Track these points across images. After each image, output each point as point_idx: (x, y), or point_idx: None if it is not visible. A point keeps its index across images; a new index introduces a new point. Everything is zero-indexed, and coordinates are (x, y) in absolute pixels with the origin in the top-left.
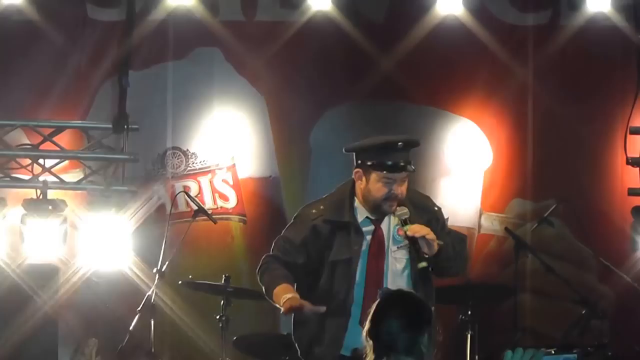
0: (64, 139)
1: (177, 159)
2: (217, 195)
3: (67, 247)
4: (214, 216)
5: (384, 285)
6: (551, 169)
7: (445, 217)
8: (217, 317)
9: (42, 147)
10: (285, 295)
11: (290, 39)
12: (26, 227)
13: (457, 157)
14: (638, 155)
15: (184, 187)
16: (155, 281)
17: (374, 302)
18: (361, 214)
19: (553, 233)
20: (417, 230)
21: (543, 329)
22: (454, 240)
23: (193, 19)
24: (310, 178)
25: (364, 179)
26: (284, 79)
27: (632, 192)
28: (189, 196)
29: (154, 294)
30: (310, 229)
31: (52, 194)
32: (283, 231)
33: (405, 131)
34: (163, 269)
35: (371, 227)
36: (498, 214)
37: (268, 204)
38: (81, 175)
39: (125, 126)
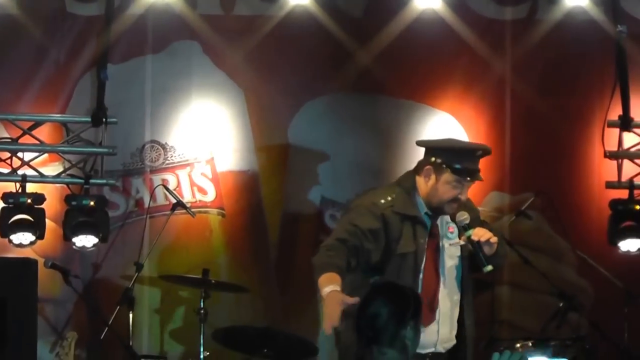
0: (43, 133)
1: (156, 152)
2: (195, 188)
3: (45, 241)
4: (192, 210)
5: (440, 280)
6: (529, 162)
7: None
8: (196, 310)
9: (21, 140)
10: (325, 289)
11: (269, 32)
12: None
13: None
14: (616, 149)
15: (163, 180)
16: (135, 274)
17: (429, 295)
18: (422, 209)
19: (530, 226)
20: (482, 234)
21: (520, 321)
22: (502, 237)
23: (171, 12)
24: (288, 171)
25: (433, 177)
26: (262, 72)
27: (610, 185)
28: (167, 189)
29: (133, 287)
30: (380, 218)
31: (31, 187)
32: (343, 219)
33: (382, 124)
34: (142, 262)
35: (429, 223)
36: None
37: (247, 197)
38: (60, 169)
39: (104, 119)
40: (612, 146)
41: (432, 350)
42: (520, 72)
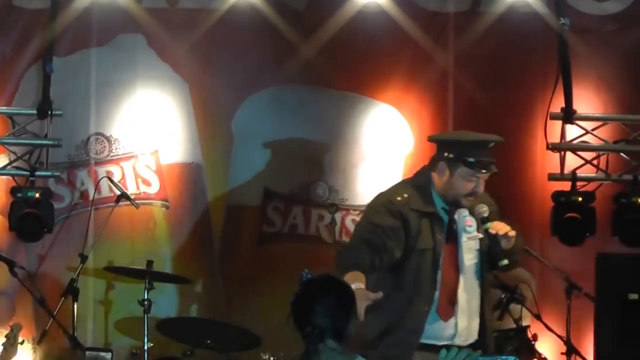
0: None
1: (101, 144)
2: (139, 180)
3: None
4: (136, 201)
5: (459, 273)
6: None
7: (366, 202)
8: (140, 301)
9: None
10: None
11: (213, 25)
12: None
13: (378, 143)
14: (558, 141)
15: (107, 172)
16: (79, 266)
17: (449, 290)
18: (438, 204)
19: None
20: (500, 228)
21: None
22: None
23: (116, 5)
24: (232, 163)
25: (447, 172)
26: (206, 65)
27: (552, 177)
28: (111, 181)
29: (77, 279)
30: (398, 215)
31: None
32: (361, 221)
33: (325, 116)
34: (87, 254)
35: (446, 218)
36: None
37: (191, 189)
38: (6, 161)
39: (50, 112)
40: (554, 138)
41: (449, 342)
42: (463, 65)
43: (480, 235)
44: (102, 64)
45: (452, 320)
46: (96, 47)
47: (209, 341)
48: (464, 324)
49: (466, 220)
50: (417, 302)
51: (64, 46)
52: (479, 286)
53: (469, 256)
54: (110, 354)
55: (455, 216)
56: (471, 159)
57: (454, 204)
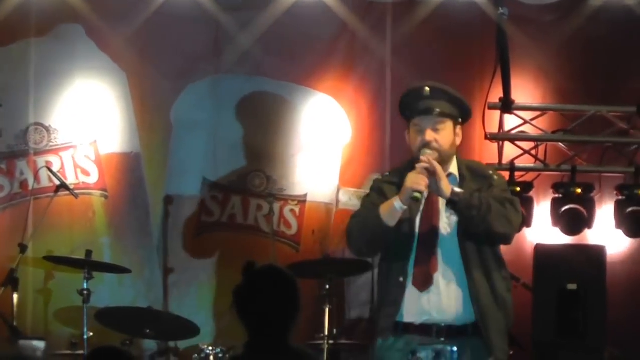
0: None
1: (40, 134)
2: (79, 170)
3: None
4: (75, 191)
5: (437, 247)
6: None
7: (304, 192)
8: (79, 291)
9: None
10: (393, 200)
11: (151, 16)
12: None
13: (316, 133)
14: (496, 131)
15: (47, 162)
16: (19, 256)
17: (424, 263)
18: None
19: None
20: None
21: None
22: (496, 198)
23: None
24: (170, 153)
25: (408, 137)
26: (145, 55)
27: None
28: (51, 171)
29: (17, 268)
30: (377, 190)
31: None
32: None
33: (263, 105)
34: (26, 244)
35: (427, 191)
36: (356, 189)
37: (130, 179)
38: None
39: None
40: (493, 128)
41: (426, 318)
42: (400, 54)
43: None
44: (41, 54)
45: (427, 295)
46: (35, 37)
47: (148, 330)
48: (440, 298)
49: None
50: (394, 273)
51: (3, 36)
52: (462, 258)
53: (448, 229)
54: (43, 342)
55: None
56: (408, 112)
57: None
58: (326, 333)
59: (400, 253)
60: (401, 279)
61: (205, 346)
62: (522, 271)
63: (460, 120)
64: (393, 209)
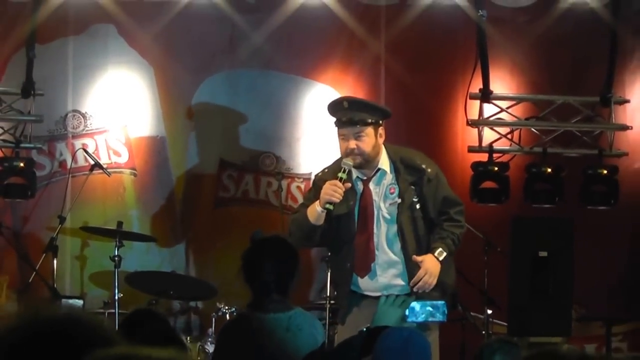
0: None
1: (77, 120)
2: (111, 151)
3: None
4: (108, 170)
5: (374, 237)
6: (400, 130)
7: (309, 171)
8: (111, 257)
9: None
10: (314, 205)
11: (174, 17)
12: None
13: (318, 119)
14: (477, 118)
15: (83, 144)
16: (58, 226)
17: (362, 251)
18: (354, 174)
19: None
20: (421, 286)
21: None
22: (450, 209)
23: None
24: (191, 137)
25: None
26: (169, 51)
27: (472, 149)
28: (87, 152)
29: (57, 237)
30: (315, 187)
31: None
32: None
33: (272, 95)
34: (65, 216)
35: (361, 186)
36: None
37: (156, 159)
38: None
39: (32, 92)
40: (473, 115)
41: (377, 294)
42: (393, 51)
43: (399, 201)
44: (78, 50)
45: (370, 277)
46: (72, 36)
47: (171, 292)
48: (384, 280)
49: (390, 188)
50: (341, 260)
51: (44, 34)
52: (401, 246)
53: (389, 221)
54: (81, 301)
55: (371, 184)
56: (335, 120)
57: (359, 170)
58: (328, 294)
59: (343, 244)
60: (348, 265)
61: (222, 305)
62: (499, 240)
63: (381, 122)
64: (316, 211)
